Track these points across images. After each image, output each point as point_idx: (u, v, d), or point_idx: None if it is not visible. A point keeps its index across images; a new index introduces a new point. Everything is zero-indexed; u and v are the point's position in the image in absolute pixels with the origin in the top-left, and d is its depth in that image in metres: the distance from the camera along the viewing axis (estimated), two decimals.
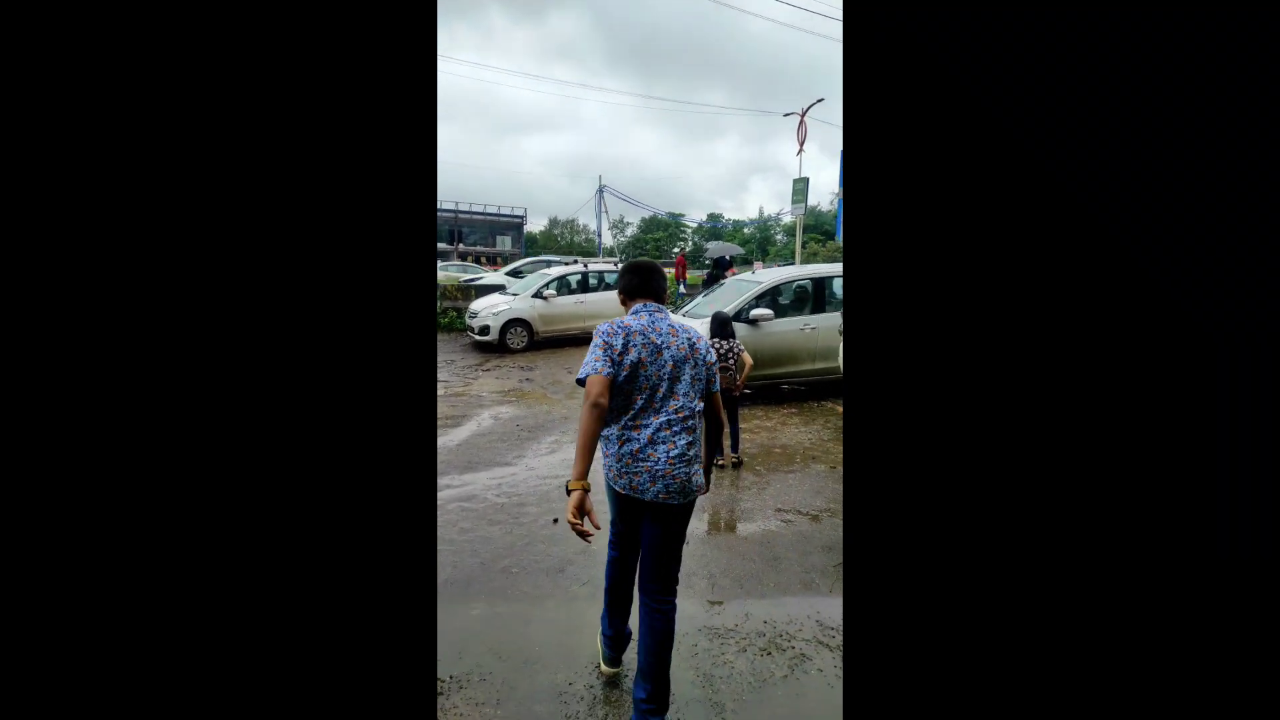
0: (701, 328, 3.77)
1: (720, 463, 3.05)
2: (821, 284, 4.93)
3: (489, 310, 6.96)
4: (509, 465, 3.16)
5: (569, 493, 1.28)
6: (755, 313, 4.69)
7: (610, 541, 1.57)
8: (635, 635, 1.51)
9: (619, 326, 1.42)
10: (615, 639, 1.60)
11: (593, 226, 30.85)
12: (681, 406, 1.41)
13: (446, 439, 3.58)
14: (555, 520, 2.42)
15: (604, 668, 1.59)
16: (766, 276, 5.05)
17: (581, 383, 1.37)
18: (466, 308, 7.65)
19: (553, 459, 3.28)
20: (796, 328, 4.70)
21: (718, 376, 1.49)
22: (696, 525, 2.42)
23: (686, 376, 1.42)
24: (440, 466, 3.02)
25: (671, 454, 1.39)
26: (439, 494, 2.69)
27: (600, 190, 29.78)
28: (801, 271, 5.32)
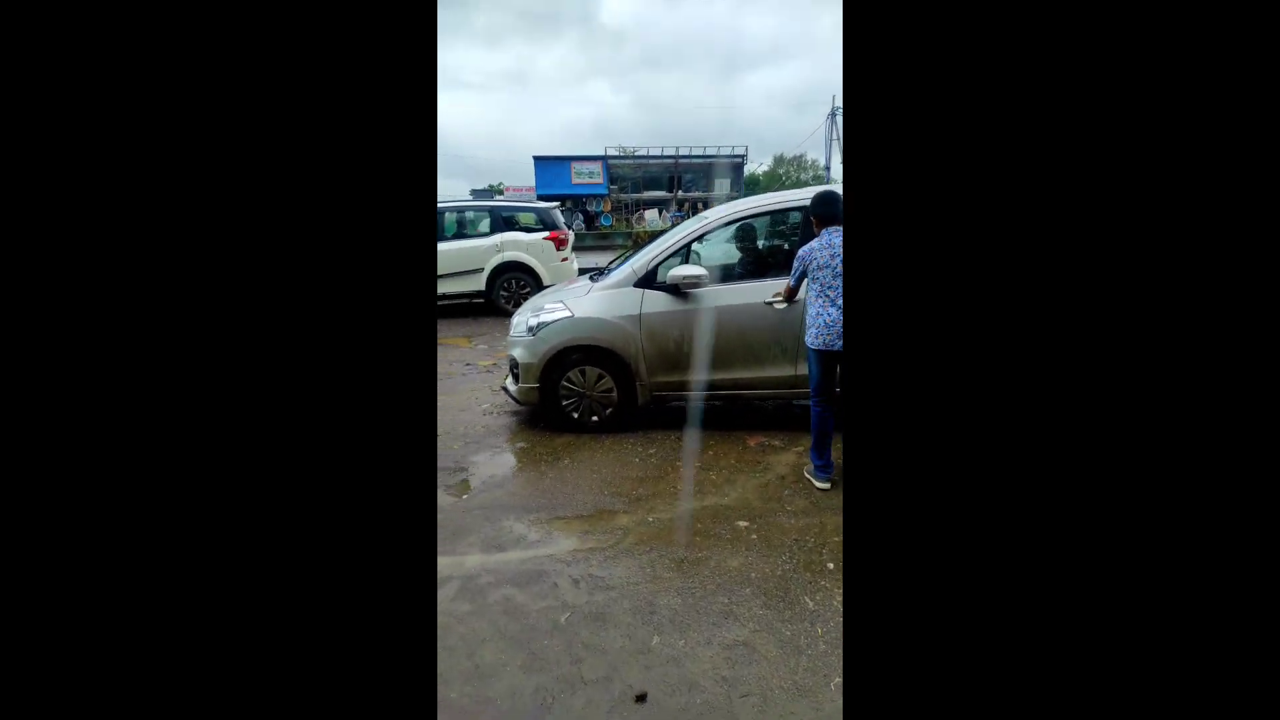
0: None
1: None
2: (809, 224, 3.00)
3: (523, 328, 3.26)
4: None
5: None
6: (678, 273, 2.96)
7: (814, 400, 2.56)
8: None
9: (804, 252, 2.51)
10: (826, 465, 2.59)
11: (823, 161, 27.57)
12: (840, 294, 2.41)
13: None
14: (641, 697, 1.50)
15: (820, 485, 2.59)
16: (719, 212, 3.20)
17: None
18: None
19: None
20: (760, 299, 2.97)
21: None
22: None
23: (839, 276, 2.40)
24: None
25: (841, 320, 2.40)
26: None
27: (833, 113, 26.32)
28: (762, 202, 3.23)
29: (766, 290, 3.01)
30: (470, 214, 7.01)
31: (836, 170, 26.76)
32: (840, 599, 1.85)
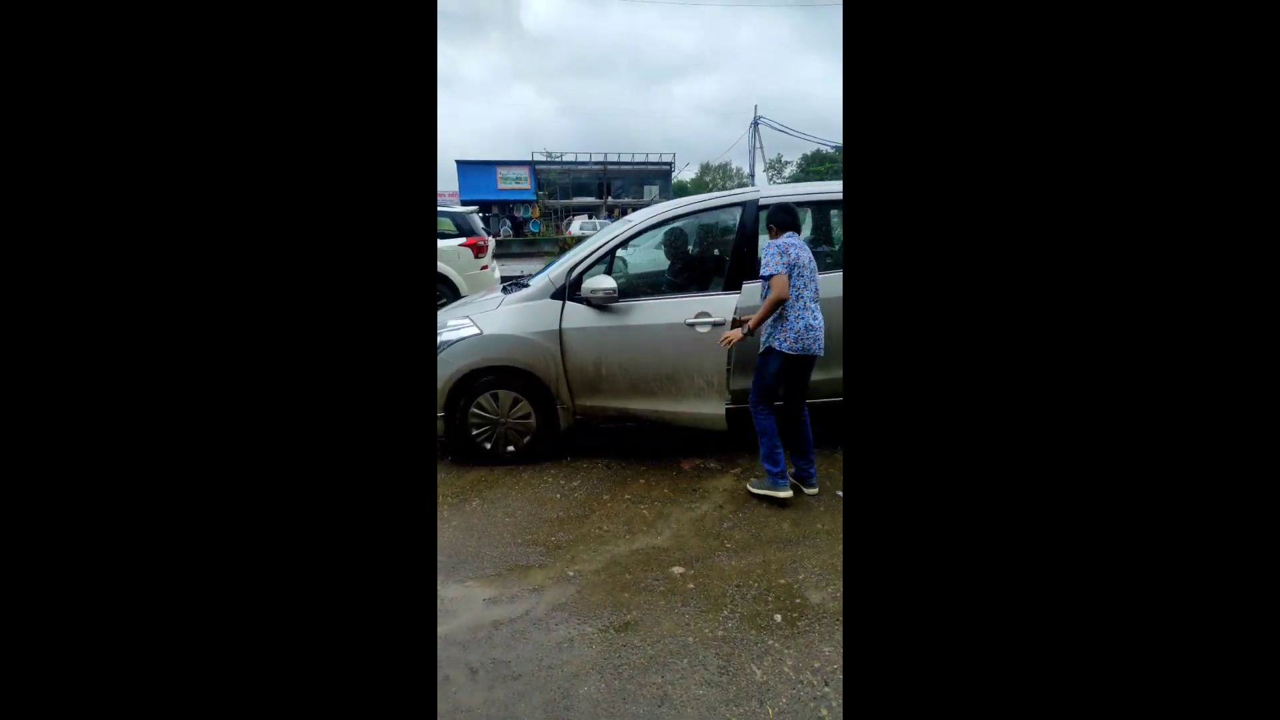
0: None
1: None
2: (752, 228, 2.72)
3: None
4: None
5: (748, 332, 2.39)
6: (590, 285, 2.66)
7: (765, 413, 2.42)
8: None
9: (782, 243, 2.34)
10: (782, 473, 2.42)
11: (747, 170, 28.32)
12: (817, 296, 2.39)
13: None
14: None
15: (782, 494, 2.43)
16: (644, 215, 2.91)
17: (767, 277, 2.31)
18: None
19: None
20: (681, 318, 2.60)
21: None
22: None
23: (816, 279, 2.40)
24: None
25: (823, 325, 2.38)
26: None
27: (755, 123, 27.09)
28: (693, 202, 2.92)
29: (692, 308, 2.65)
30: None
31: (760, 179, 27.46)
32: (790, 663, 1.59)
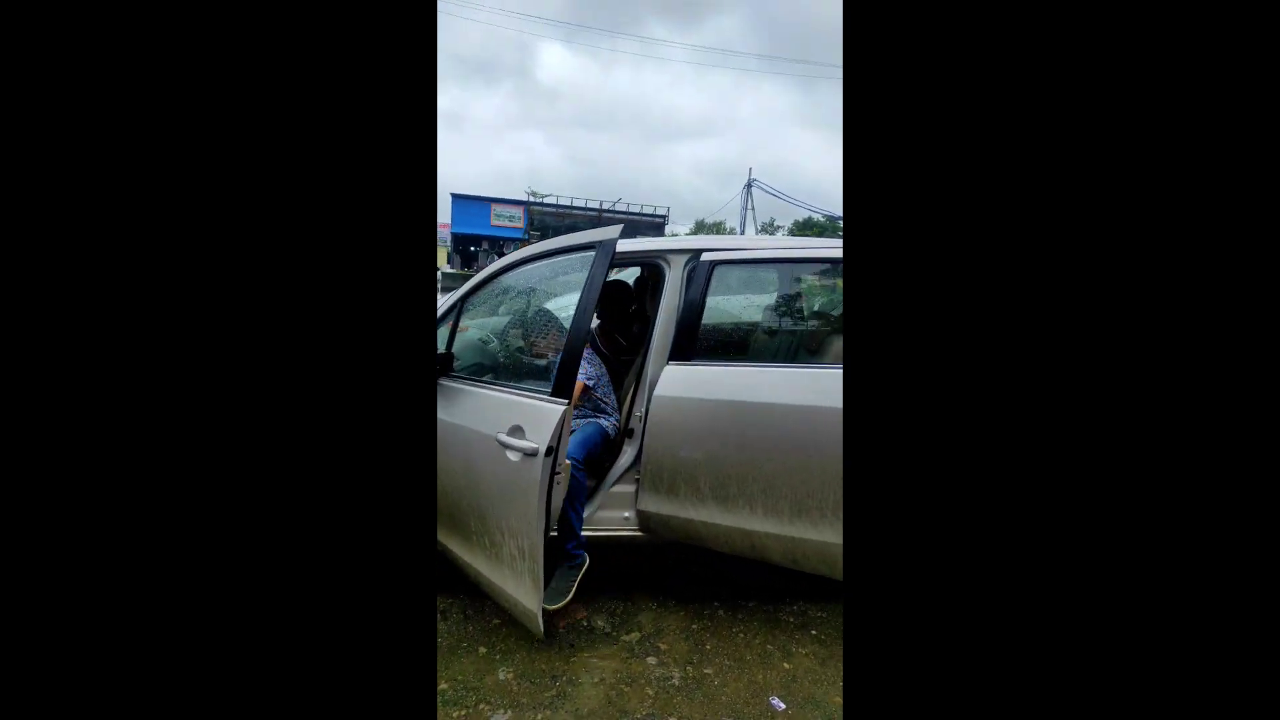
0: None
1: None
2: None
3: None
4: None
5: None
6: None
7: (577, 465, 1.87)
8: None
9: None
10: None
11: (739, 230, 28.51)
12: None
13: None
14: None
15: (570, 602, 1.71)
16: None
17: None
18: None
19: None
20: (493, 424, 1.62)
21: None
22: None
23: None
24: None
25: None
26: None
27: (749, 185, 27.42)
28: (556, 245, 1.87)
29: (507, 414, 1.60)
30: None
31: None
32: None
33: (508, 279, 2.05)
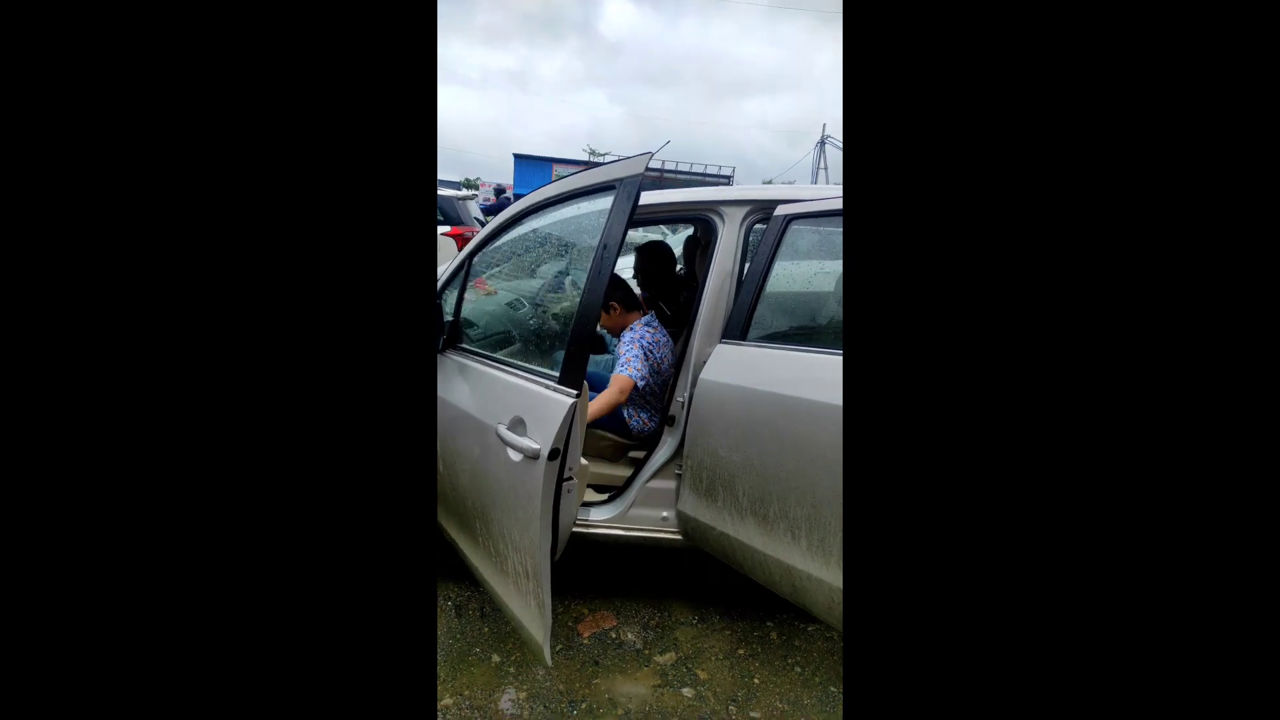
0: None
1: None
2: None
3: None
4: None
5: None
6: None
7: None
8: None
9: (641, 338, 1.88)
10: None
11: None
12: None
13: None
14: None
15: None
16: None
17: None
18: None
19: None
20: (494, 414, 1.35)
21: None
22: None
23: None
24: None
25: None
26: None
27: (822, 141, 25.79)
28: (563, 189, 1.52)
29: (511, 400, 1.33)
30: None
31: None
32: None
33: (520, 231, 1.73)
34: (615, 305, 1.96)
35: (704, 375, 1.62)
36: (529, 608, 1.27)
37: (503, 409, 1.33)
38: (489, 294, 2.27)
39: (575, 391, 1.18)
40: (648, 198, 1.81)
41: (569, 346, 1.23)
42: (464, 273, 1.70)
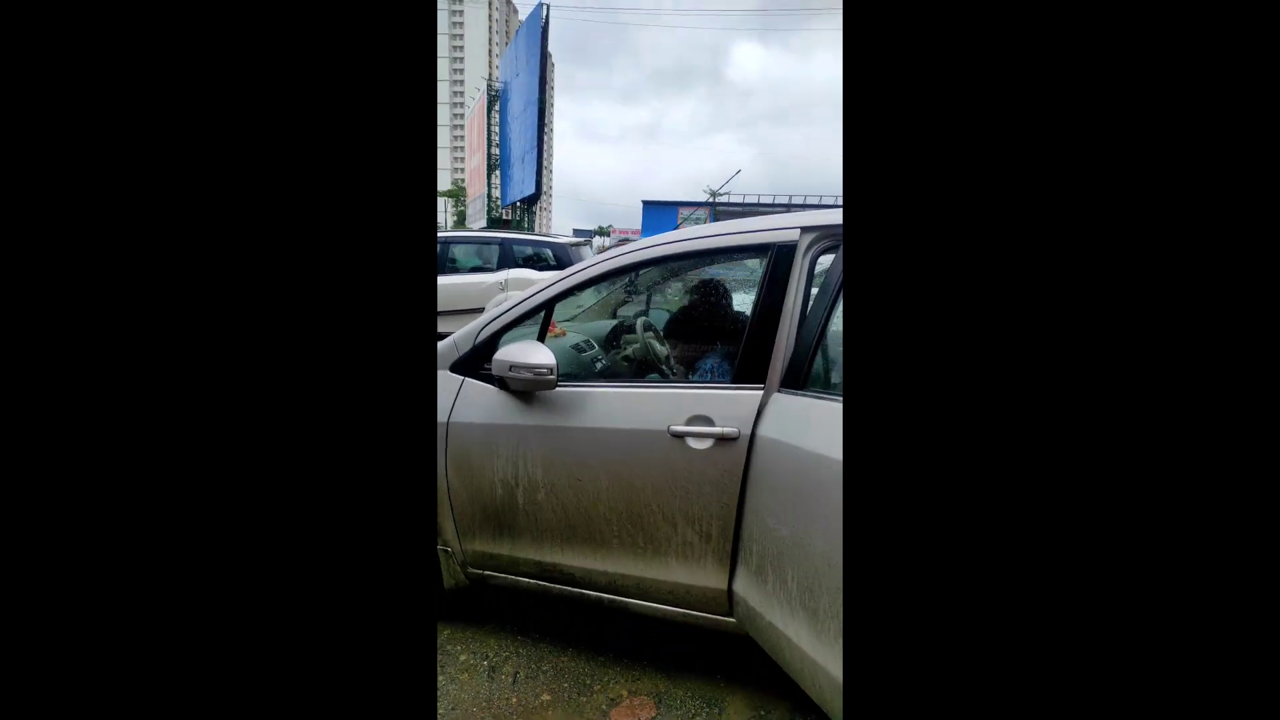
0: None
1: None
2: (783, 281, 1.46)
3: None
4: None
5: None
6: (508, 356, 1.55)
7: None
8: None
9: None
10: None
11: None
12: None
13: None
14: None
15: None
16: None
17: None
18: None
19: None
20: (662, 421, 1.48)
21: None
22: None
23: None
24: None
25: None
26: None
27: None
28: (682, 243, 1.65)
29: (682, 406, 1.46)
30: (475, 247, 6.07)
31: None
32: None
33: (650, 274, 1.67)
34: None
35: (760, 430, 1.38)
36: (702, 566, 1.48)
37: (674, 411, 1.48)
38: (557, 335, 2.25)
39: (760, 385, 1.43)
40: (685, 236, 1.69)
41: (746, 347, 1.50)
42: (548, 312, 1.70)
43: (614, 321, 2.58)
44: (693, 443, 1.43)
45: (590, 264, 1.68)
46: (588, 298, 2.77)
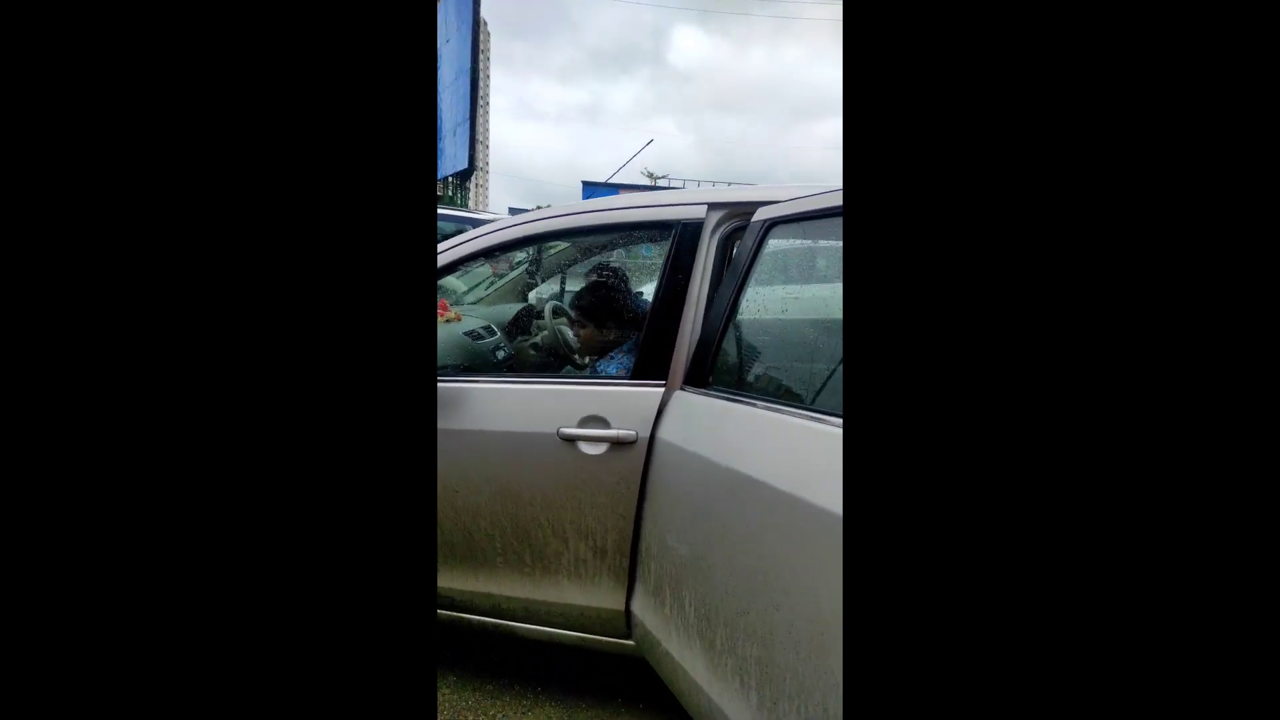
0: None
1: None
2: (688, 263, 1.31)
3: None
4: None
5: None
6: None
7: None
8: None
9: None
10: None
11: None
12: None
13: None
14: None
15: None
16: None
17: None
18: None
19: None
20: (550, 423, 1.29)
21: None
22: None
23: None
24: None
25: None
26: None
27: None
28: (578, 217, 1.48)
29: (573, 405, 1.29)
30: None
31: None
32: None
33: (528, 255, 1.43)
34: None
35: (660, 432, 1.22)
36: (595, 584, 1.30)
37: (564, 410, 1.32)
38: (449, 320, 1.99)
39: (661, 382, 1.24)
40: (578, 209, 1.50)
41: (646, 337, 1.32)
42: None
43: (520, 305, 2.34)
44: (585, 447, 1.25)
45: (466, 239, 1.45)
46: (471, 278, 2.51)
